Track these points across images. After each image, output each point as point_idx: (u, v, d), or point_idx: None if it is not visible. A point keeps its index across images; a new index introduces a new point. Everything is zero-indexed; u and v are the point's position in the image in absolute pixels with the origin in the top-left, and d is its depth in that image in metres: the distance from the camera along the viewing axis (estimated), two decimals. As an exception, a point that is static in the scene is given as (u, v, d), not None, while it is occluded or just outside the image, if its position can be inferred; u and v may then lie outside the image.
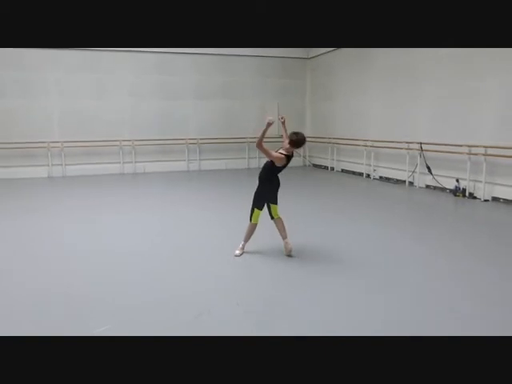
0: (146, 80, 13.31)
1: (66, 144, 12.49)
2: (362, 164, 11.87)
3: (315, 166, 14.68)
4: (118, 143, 12.92)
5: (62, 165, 12.59)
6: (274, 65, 14.57)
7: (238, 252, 5.00)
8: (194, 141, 13.58)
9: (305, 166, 15.01)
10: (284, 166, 4.94)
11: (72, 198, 9.21)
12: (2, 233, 6.25)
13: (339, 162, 13.28)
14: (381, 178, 11.33)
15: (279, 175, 5.06)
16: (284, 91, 14.87)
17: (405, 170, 10.27)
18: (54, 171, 12.56)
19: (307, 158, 15.03)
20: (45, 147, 12.29)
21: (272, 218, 5.02)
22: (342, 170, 13.14)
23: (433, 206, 8.15)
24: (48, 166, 12.46)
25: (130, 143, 13.07)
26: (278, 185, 5.06)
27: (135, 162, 13.27)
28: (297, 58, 14.78)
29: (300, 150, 14.70)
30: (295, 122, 14.94)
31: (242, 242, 5.07)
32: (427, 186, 9.78)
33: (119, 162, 13.12)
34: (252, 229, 5.02)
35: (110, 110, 13.05)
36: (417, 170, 9.92)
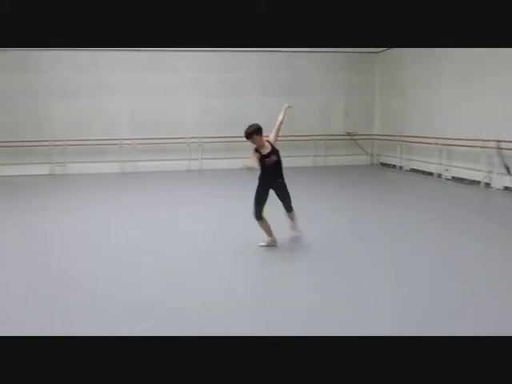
0: (210, 78, 13.56)
1: (137, 141, 13.11)
2: (433, 163, 11.26)
3: (383, 164, 14.16)
4: (184, 140, 13.30)
5: (133, 161, 13.23)
6: (339, 60, 14.22)
7: (263, 243, 5.20)
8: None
9: (372, 164, 14.55)
10: (274, 164, 4.97)
11: (141, 192, 9.61)
12: (82, 224, 6.66)
13: (409, 161, 12.71)
14: (453, 178, 10.68)
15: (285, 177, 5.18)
16: (350, 87, 14.47)
17: (480, 170, 9.59)
18: (126, 167, 13.22)
19: (375, 156, 14.55)
20: (118, 144, 12.98)
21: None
22: (412, 170, 12.57)
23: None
24: (120, 161, 13.14)
25: (196, 140, 13.41)
26: (264, 184, 5.05)
27: (201, 159, 13.58)
28: (363, 53, 14.31)
29: (368, 148, 14.29)
30: (363, 118, 14.56)
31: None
32: (506, 188, 9.07)
33: (186, 159, 13.50)
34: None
35: (175, 108, 13.47)
36: (494, 170, 9.23)
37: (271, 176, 5.04)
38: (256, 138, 4.83)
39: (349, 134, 14.30)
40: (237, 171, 12.61)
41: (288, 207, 5.33)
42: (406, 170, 12.68)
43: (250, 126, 4.83)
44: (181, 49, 12.82)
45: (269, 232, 5.19)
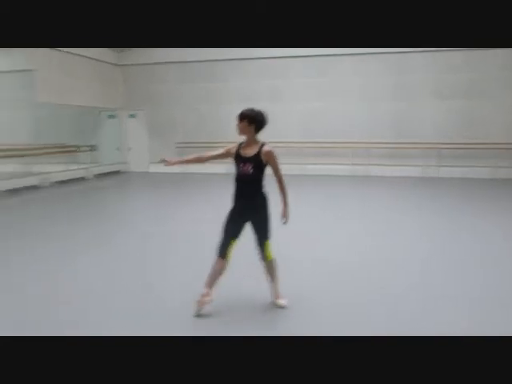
0: (377, 82, 13.18)
1: (305, 144, 13.55)
2: None
3: None
4: (350, 145, 13.21)
5: (300, 164, 13.69)
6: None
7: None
8: (431, 145, 12.73)
9: None
10: (245, 176, 3.49)
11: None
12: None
13: None
14: None
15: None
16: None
17: None
18: (293, 169, 13.75)
19: None
20: (285, 147, 13.60)
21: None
22: None
23: None
24: (288, 164, 13.70)
25: (364, 145, 13.20)
26: (234, 207, 3.61)
27: (368, 164, 13.31)
28: None
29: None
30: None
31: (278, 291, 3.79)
32: None
33: (349, 164, 13.40)
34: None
35: (345, 111, 13.46)
36: None
37: (238, 193, 3.56)
38: (246, 126, 3.45)
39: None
40: (406, 179, 12.06)
41: (262, 252, 3.62)
42: None
43: (251, 110, 3.50)
44: (347, 53, 12.80)
45: (209, 280, 3.58)
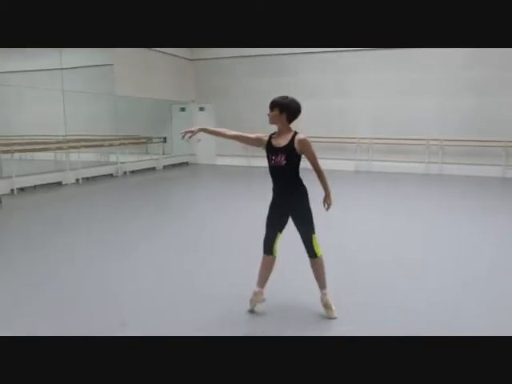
0: (455, 77, 12.35)
1: (373, 140, 13.10)
2: None
3: None
4: (424, 142, 12.57)
5: (368, 160, 13.29)
6: None
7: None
8: (515, 143, 11.78)
9: None
10: (278, 169, 3.27)
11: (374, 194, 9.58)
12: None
13: None
14: None
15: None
16: None
17: None
18: (361, 166, 13.38)
19: None
20: (355, 143, 13.24)
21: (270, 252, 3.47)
22: None
23: None
24: (356, 160, 13.38)
25: (437, 142, 12.51)
26: (272, 202, 3.44)
27: (442, 162, 12.61)
28: None
29: None
30: None
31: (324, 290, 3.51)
32: None
33: (424, 162, 12.77)
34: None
35: (417, 108, 12.80)
36: None
37: (275, 187, 3.39)
38: (277, 115, 3.25)
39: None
40: (488, 179, 11.20)
41: (309, 248, 3.40)
42: None
43: (284, 97, 3.30)
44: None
45: (260, 279, 3.50)
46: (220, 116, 15.32)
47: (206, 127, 3.49)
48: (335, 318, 3.39)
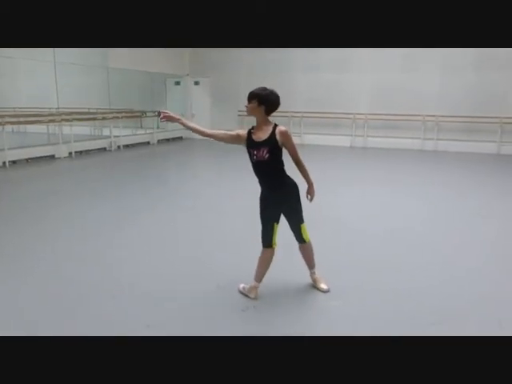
0: (454, 52, 12.14)
1: (369, 116, 13.02)
2: None
3: None
4: (420, 118, 12.52)
5: (363, 136, 13.24)
6: None
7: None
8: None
9: None
10: (261, 164, 3.17)
11: (371, 169, 9.57)
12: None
13: None
14: None
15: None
16: None
17: None
18: (356, 141, 13.34)
19: None
20: (350, 118, 13.16)
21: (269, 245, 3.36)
22: None
23: None
24: (351, 136, 13.32)
25: (433, 119, 12.46)
26: (263, 194, 3.33)
27: (437, 139, 12.59)
28: None
29: None
30: None
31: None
32: None
33: (420, 138, 12.74)
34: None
35: (416, 84, 12.69)
36: None
37: (262, 183, 3.30)
38: (255, 107, 3.12)
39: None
40: (481, 156, 11.21)
41: (298, 235, 3.43)
42: None
43: (262, 89, 3.14)
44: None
45: (258, 274, 3.41)
46: (216, 90, 15.13)
47: (185, 121, 3.40)
48: (328, 291, 3.47)
